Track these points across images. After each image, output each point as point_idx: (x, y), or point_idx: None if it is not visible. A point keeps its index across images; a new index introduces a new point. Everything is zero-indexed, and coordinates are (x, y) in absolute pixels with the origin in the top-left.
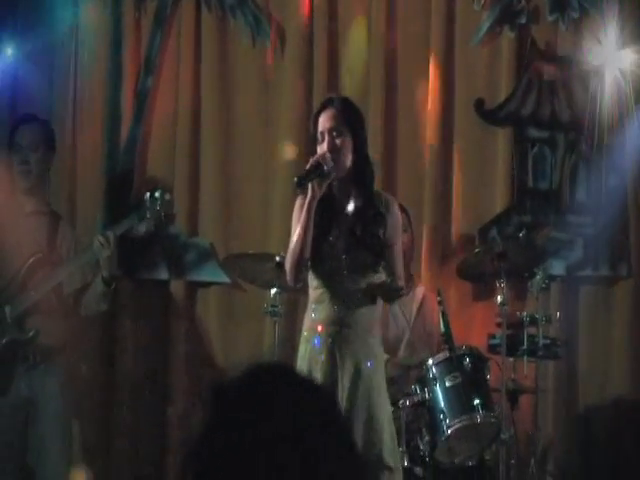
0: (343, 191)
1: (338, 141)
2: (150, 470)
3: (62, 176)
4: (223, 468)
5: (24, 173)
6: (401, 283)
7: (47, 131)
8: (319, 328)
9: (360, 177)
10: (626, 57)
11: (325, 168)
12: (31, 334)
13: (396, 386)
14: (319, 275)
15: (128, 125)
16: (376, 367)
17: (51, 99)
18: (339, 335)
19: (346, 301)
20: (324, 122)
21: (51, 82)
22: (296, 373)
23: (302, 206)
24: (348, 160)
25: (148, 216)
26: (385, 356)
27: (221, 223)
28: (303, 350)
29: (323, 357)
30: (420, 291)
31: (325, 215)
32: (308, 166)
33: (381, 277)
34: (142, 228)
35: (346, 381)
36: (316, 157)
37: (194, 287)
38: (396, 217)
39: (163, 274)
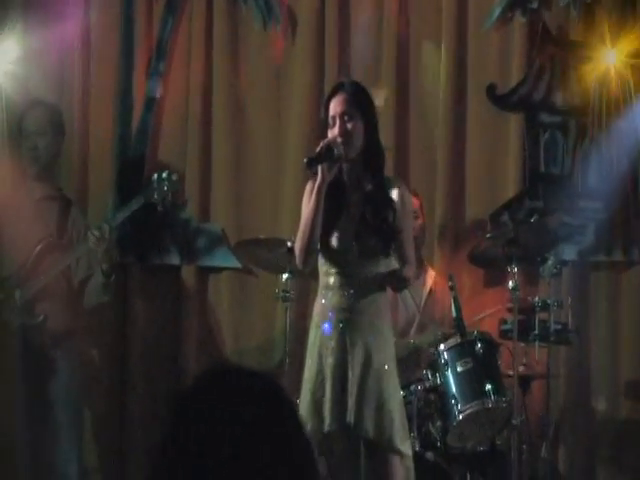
0: (353, 176)
1: (349, 125)
2: None
3: (73, 161)
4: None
5: (33, 159)
6: (412, 268)
7: (55, 115)
8: (329, 314)
9: (370, 162)
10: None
11: (335, 152)
12: (40, 319)
13: (404, 368)
14: (329, 260)
15: (140, 110)
16: (386, 352)
17: (62, 83)
18: (349, 321)
19: (356, 287)
20: (335, 106)
21: (62, 66)
22: (240, 374)
23: (312, 190)
24: (359, 144)
25: (155, 196)
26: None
27: (232, 208)
28: (313, 336)
29: (333, 343)
30: (431, 276)
31: (335, 200)
32: (319, 149)
33: (390, 264)
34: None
35: (357, 367)
36: (327, 141)
37: (205, 272)
38: (406, 203)
39: (174, 259)
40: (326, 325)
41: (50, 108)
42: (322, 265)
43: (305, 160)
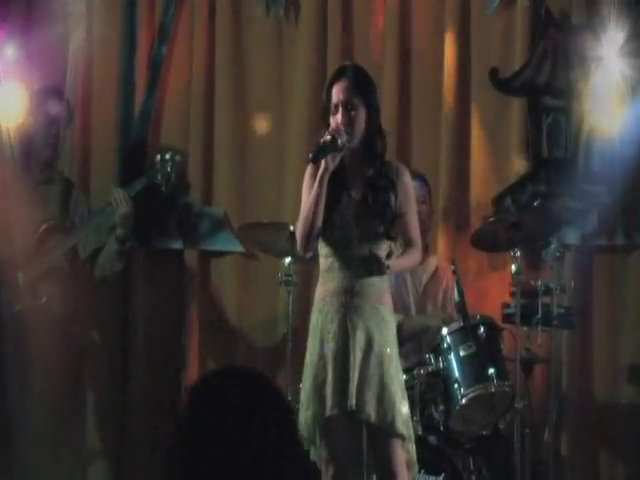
0: (355, 160)
1: (352, 114)
2: (164, 436)
3: (77, 145)
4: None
5: (53, 145)
6: (419, 251)
7: (68, 103)
8: (330, 297)
9: (372, 147)
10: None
11: (339, 141)
12: (42, 301)
13: (410, 347)
14: (329, 244)
15: (142, 94)
16: (388, 336)
17: (65, 68)
18: (350, 304)
19: (356, 270)
20: (338, 94)
21: (65, 51)
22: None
23: (313, 175)
24: (361, 131)
25: (159, 177)
26: (399, 316)
27: (235, 192)
28: (315, 320)
29: (335, 327)
30: (433, 261)
31: (336, 184)
32: (322, 141)
33: (392, 248)
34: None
35: (358, 351)
36: (330, 131)
37: (208, 256)
38: (407, 186)
39: (177, 243)
40: (327, 309)
41: (65, 96)
42: (322, 248)
43: (310, 156)
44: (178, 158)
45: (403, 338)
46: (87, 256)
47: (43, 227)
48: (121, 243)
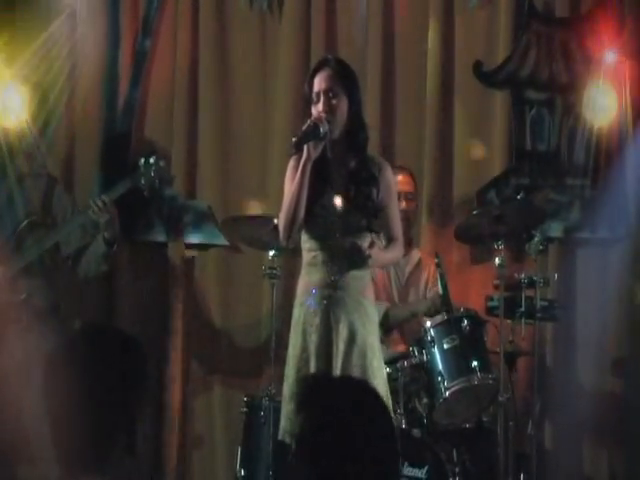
0: (337, 153)
1: (334, 102)
2: (146, 431)
3: (60, 139)
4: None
5: (18, 135)
6: (400, 245)
7: (40, 92)
8: (313, 291)
9: (354, 139)
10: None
11: (321, 130)
12: (22, 297)
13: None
14: (312, 237)
15: (126, 87)
16: (370, 329)
17: (49, 61)
18: (333, 297)
19: (339, 263)
20: (320, 83)
21: (49, 45)
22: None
23: (296, 167)
24: (343, 120)
25: (142, 182)
26: (385, 304)
27: (219, 185)
28: (297, 313)
29: (318, 320)
30: (416, 254)
31: (318, 177)
32: (305, 127)
33: (367, 241)
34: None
35: (341, 343)
36: (312, 118)
37: (192, 249)
38: (389, 181)
39: (161, 236)
40: (310, 302)
41: (35, 85)
42: (305, 242)
43: (293, 140)
44: (162, 163)
45: (390, 326)
46: (70, 254)
47: (25, 222)
48: (109, 245)
